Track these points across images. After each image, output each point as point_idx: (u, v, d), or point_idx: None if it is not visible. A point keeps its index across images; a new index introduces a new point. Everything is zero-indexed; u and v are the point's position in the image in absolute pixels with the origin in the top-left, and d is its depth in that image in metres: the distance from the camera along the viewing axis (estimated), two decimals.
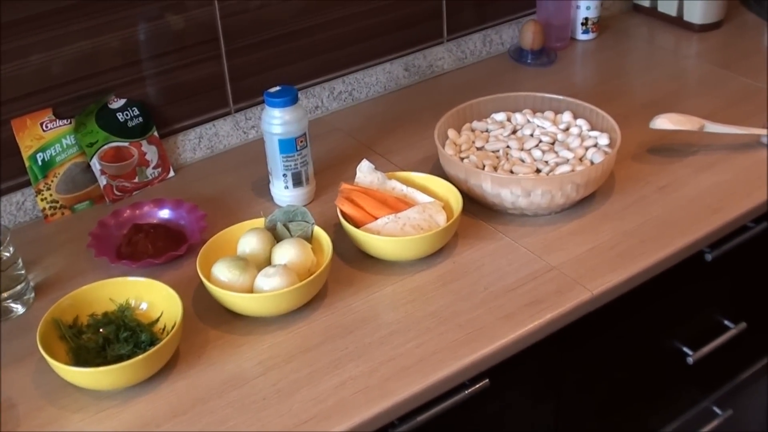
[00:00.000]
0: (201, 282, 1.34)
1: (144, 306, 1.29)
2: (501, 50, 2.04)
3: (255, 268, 1.31)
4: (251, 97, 1.73)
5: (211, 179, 1.64)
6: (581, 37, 2.08)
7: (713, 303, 1.69)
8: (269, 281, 1.28)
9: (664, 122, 1.62)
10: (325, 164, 1.64)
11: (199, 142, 1.70)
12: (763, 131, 1.64)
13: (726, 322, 1.69)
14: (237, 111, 1.72)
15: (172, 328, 1.23)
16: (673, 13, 2.11)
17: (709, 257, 1.53)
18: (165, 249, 1.41)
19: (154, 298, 1.28)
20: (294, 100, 1.47)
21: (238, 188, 1.60)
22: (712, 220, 1.49)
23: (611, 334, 1.49)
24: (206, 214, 1.49)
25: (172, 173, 1.66)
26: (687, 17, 2.08)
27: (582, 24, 2.06)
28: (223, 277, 1.29)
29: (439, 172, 1.56)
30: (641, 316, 1.53)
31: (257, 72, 1.71)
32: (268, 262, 1.35)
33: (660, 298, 1.52)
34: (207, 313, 1.33)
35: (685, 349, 1.65)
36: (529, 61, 1.99)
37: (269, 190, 1.56)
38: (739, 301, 1.72)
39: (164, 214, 1.50)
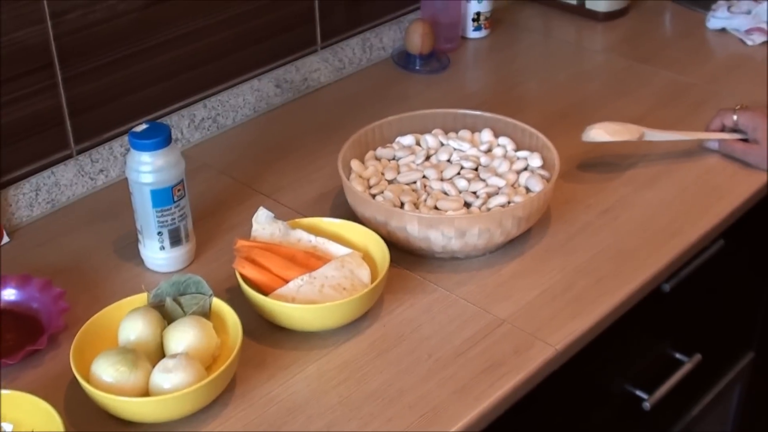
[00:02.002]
0: (73, 382, 1.19)
1: (8, 428, 1.12)
2: (383, 56, 1.96)
3: (147, 360, 1.17)
4: (96, 133, 1.59)
5: (59, 242, 1.49)
6: (473, 35, 2.01)
7: (665, 336, 1.65)
8: (171, 378, 1.14)
9: (599, 134, 1.56)
10: (200, 212, 1.51)
11: (36, 196, 1.53)
12: (709, 135, 1.60)
13: (678, 356, 1.66)
14: (80, 152, 1.57)
15: None
16: (573, 0, 2.06)
17: (667, 288, 1.49)
18: (18, 343, 1.25)
19: (19, 415, 1.12)
20: (167, 141, 1.34)
21: (97, 252, 1.46)
22: (672, 245, 1.44)
23: (559, 385, 1.41)
24: (65, 291, 1.33)
25: (6, 239, 1.49)
26: (590, 5, 2.05)
27: (473, 20, 1.99)
28: (108, 377, 1.15)
29: (343, 212, 1.47)
30: (590, 361, 1.46)
31: (102, 102, 1.58)
32: (160, 350, 1.22)
33: (609, 339, 1.45)
34: (87, 424, 1.17)
35: (640, 393, 1.60)
36: (418, 67, 1.91)
37: (138, 251, 1.42)
38: (692, 331, 1.69)
39: (8, 295, 1.34)
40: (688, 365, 1.64)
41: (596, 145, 1.61)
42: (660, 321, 1.59)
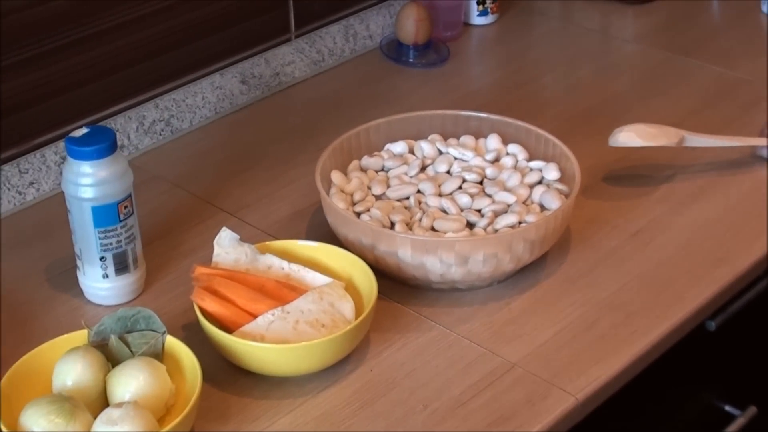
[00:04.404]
0: None
1: None
2: (370, 46, 2.01)
3: (86, 410, 1.21)
4: (26, 139, 1.63)
5: None
6: (477, 20, 2.07)
7: (711, 384, 1.68)
8: (116, 431, 1.17)
9: (630, 137, 1.60)
10: (151, 234, 1.55)
11: None
12: (764, 141, 1.64)
13: (728, 409, 1.69)
14: (6, 162, 1.61)
15: None
16: None
17: (712, 326, 1.52)
18: None
19: None
20: (111, 148, 1.38)
21: (27, 281, 1.49)
22: (716, 275, 1.48)
23: None
24: None
25: None
26: None
27: (478, 3, 2.04)
28: (40, 430, 1.17)
29: (322, 234, 1.51)
30: (619, 413, 1.50)
31: (32, 101, 1.61)
32: (103, 398, 1.25)
33: (641, 387, 1.49)
34: None
35: None
36: (411, 59, 1.96)
37: (77, 280, 1.46)
38: (744, 378, 1.72)
39: None
40: (740, 420, 1.67)
41: (626, 152, 1.66)
42: (705, 366, 1.63)
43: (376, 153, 1.61)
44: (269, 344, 1.29)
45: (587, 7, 2.12)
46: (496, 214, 1.47)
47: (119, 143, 1.68)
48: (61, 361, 1.25)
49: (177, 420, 1.19)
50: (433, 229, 1.46)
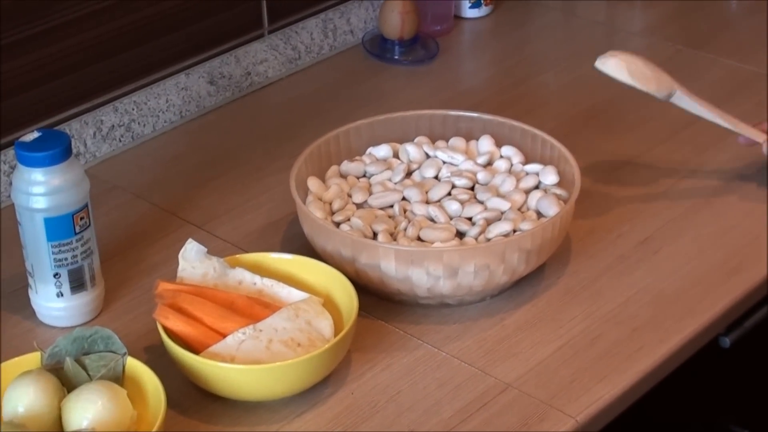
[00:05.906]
0: None
1: None
2: (352, 42, 2.02)
3: None
4: None
5: None
6: (469, 13, 2.09)
7: (726, 407, 1.69)
8: None
9: (618, 68, 1.58)
10: (110, 248, 1.57)
11: None
12: (761, 136, 1.65)
13: None
14: None
15: None
16: None
17: (726, 342, 1.54)
18: None
19: None
20: (66, 153, 1.39)
21: None
22: (730, 287, 1.50)
23: None
24: None
25: None
26: None
27: None
28: None
29: (298, 246, 1.53)
30: None
31: None
32: (57, 425, 1.26)
33: (648, 409, 1.51)
34: None
35: None
36: (397, 56, 1.98)
37: (28, 299, 1.47)
38: (760, 401, 1.73)
39: None
40: None
41: (631, 155, 1.68)
42: (718, 387, 1.64)
43: (357, 158, 1.62)
44: (240, 365, 1.30)
45: None
46: (489, 222, 1.49)
47: (75, 149, 1.69)
48: (12, 386, 1.26)
49: None
50: (419, 239, 1.47)
